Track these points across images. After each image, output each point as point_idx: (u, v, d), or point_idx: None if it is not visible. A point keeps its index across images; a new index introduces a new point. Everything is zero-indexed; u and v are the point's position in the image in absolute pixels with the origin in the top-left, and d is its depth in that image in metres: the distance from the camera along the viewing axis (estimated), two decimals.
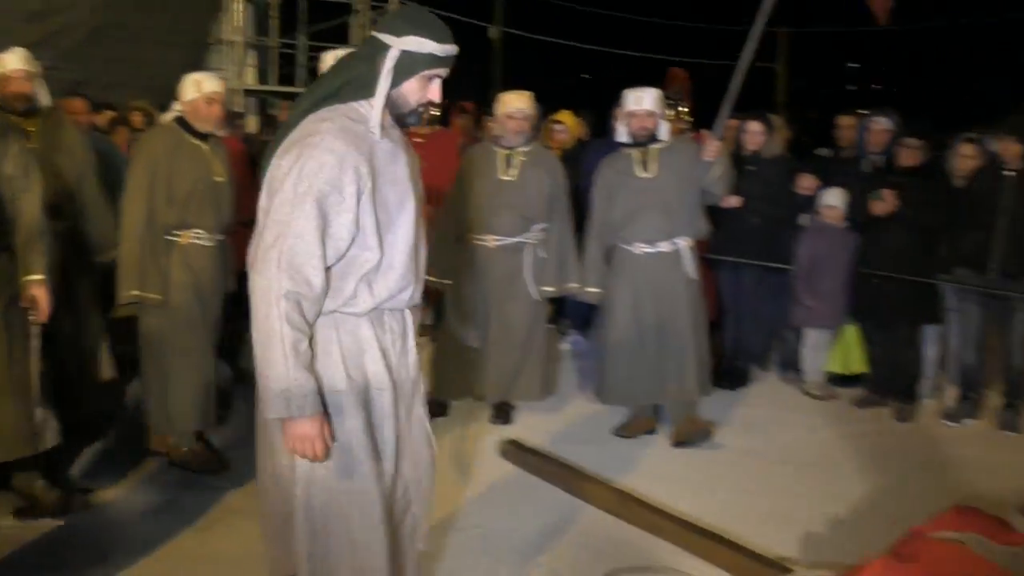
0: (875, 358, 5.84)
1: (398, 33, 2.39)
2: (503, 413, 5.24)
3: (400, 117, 2.52)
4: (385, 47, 2.40)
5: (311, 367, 2.35)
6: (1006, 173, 5.24)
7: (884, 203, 5.44)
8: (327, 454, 2.41)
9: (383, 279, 2.47)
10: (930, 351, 5.79)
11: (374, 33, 2.46)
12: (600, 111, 7.47)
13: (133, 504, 4.14)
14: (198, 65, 12.96)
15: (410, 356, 2.63)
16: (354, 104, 2.43)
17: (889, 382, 5.73)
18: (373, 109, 2.42)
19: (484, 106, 7.96)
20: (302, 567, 2.52)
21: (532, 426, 5.19)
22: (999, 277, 5.27)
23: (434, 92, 2.50)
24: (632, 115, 4.85)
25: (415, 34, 2.39)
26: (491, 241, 5.04)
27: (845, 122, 6.70)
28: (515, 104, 5.09)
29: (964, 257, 5.41)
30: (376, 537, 2.51)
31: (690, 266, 4.88)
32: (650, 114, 4.80)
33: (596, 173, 5.09)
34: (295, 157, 2.32)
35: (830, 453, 4.99)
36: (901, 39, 23.13)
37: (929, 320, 5.66)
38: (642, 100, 4.81)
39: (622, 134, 4.96)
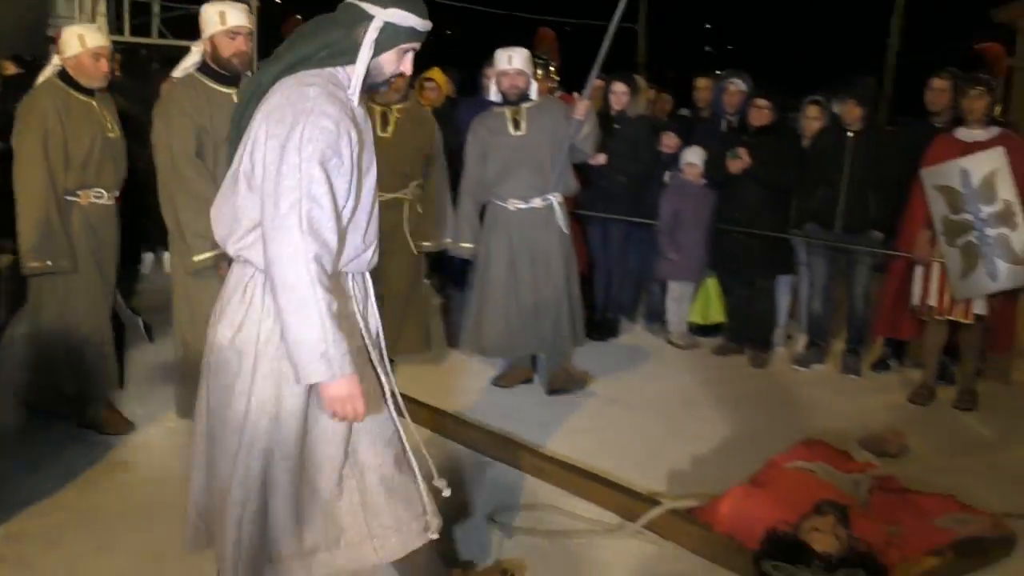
0: (733, 309, 6.23)
1: (383, 4, 2.42)
2: None
3: (373, 87, 2.55)
4: (368, 16, 2.42)
5: (341, 327, 2.36)
6: (848, 134, 5.63)
7: (740, 160, 5.76)
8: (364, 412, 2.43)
9: (350, 239, 2.49)
10: (782, 301, 6.21)
11: (354, 1, 2.45)
12: (467, 69, 7.55)
13: (15, 458, 4.08)
14: (43, 12, 12.34)
15: (372, 321, 2.66)
16: (331, 70, 2.44)
17: (746, 331, 6.13)
18: (354, 77, 2.44)
19: None
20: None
21: (413, 378, 5.30)
22: (843, 232, 5.69)
23: (407, 64, 2.54)
24: (503, 74, 4.98)
25: (398, 7, 2.42)
26: None
27: (702, 84, 7.04)
28: None
29: (812, 213, 5.80)
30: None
31: (562, 221, 5.08)
32: (520, 73, 4.94)
33: (469, 131, 5.21)
34: (291, 123, 2.31)
35: (693, 398, 5.32)
36: (753, 2, 24.00)
37: (782, 271, 6.06)
38: (513, 59, 4.94)
39: (493, 93, 5.09)
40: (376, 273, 5.05)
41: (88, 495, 3.81)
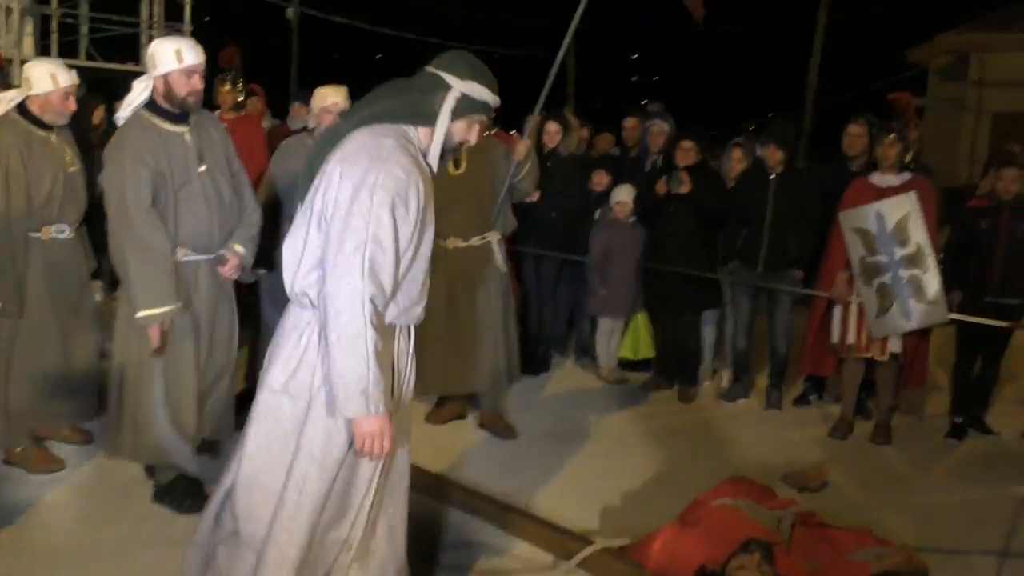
0: (661, 344, 6.38)
1: (461, 76, 2.60)
2: None
3: (443, 152, 2.68)
4: (447, 86, 2.60)
5: (383, 368, 2.50)
6: (770, 176, 5.85)
7: (684, 184, 5.90)
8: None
9: (406, 290, 2.62)
10: (708, 336, 6.38)
11: (435, 70, 2.63)
12: None
13: None
14: None
15: (407, 377, 2.79)
16: (404, 127, 2.60)
17: (674, 366, 6.29)
18: (433, 142, 2.61)
19: (283, 89, 7.88)
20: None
21: None
22: (766, 271, 5.89)
23: (474, 135, 2.71)
24: None
25: (477, 81, 2.61)
26: None
27: (630, 123, 7.24)
28: (331, 98, 5.13)
29: (736, 252, 6.00)
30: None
31: (500, 259, 5.17)
32: None
33: None
34: (365, 167, 2.45)
35: (623, 433, 5.44)
36: (678, 36, 24.57)
37: (709, 306, 6.23)
38: None
39: None
40: None
41: (22, 534, 3.76)
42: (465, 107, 2.63)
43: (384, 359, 2.53)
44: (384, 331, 2.55)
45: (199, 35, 14.52)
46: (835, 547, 3.71)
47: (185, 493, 4.05)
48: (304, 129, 5.43)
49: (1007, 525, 3.87)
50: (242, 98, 6.84)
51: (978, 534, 4.15)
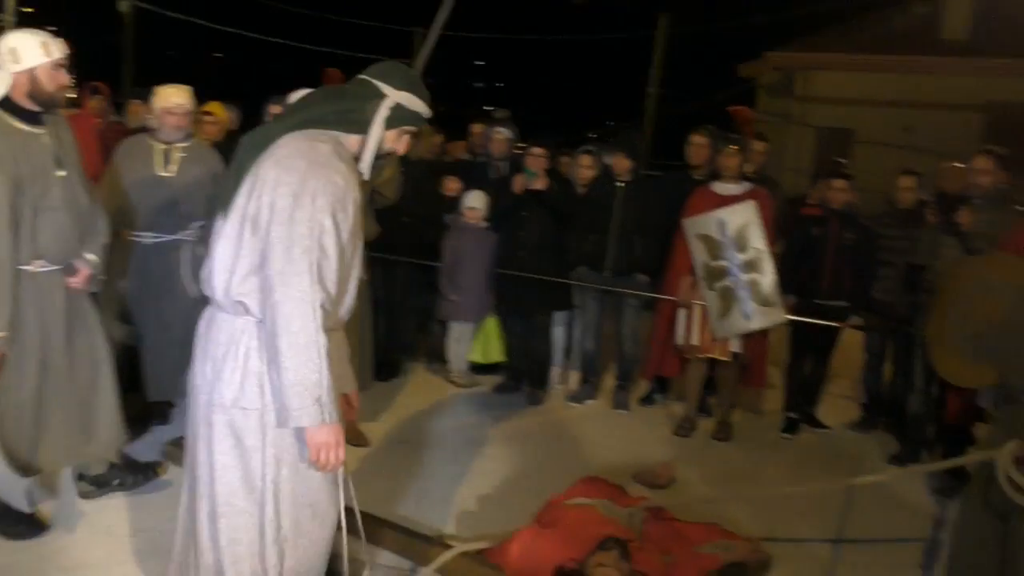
0: (512, 347, 6.45)
1: (396, 86, 2.60)
2: (161, 412, 5.13)
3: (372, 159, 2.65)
4: (381, 94, 2.63)
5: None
6: (618, 183, 6.01)
7: (539, 178, 5.97)
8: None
9: (350, 292, 2.63)
10: (558, 339, 6.49)
11: (369, 78, 2.65)
12: (251, 101, 7.37)
13: None
14: None
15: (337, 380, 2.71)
16: (336, 134, 2.56)
17: (524, 369, 6.36)
18: (366, 150, 2.59)
19: (116, 84, 7.51)
20: None
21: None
22: (613, 275, 6.04)
23: (403, 146, 2.72)
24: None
25: (410, 91, 2.62)
26: (148, 238, 4.91)
27: (476, 129, 7.29)
28: (174, 99, 4.96)
29: (585, 257, 6.13)
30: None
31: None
32: None
33: None
34: (303, 174, 2.40)
35: (476, 436, 5.46)
36: (522, 43, 24.97)
37: (559, 307, 6.32)
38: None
39: None
40: (159, 318, 4.92)
41: None
42: (398, 117, 2.65)
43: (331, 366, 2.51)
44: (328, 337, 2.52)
45: (22, 27, 13.64)
46: (686, 541, 3.85)
47: (16, 520, 3.79)
48: (144, 129, 5.19)
49: (840, 512, 4.11)
50: (76, 95, 6.49)
51: (814, 522, 4.39)
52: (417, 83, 2.70)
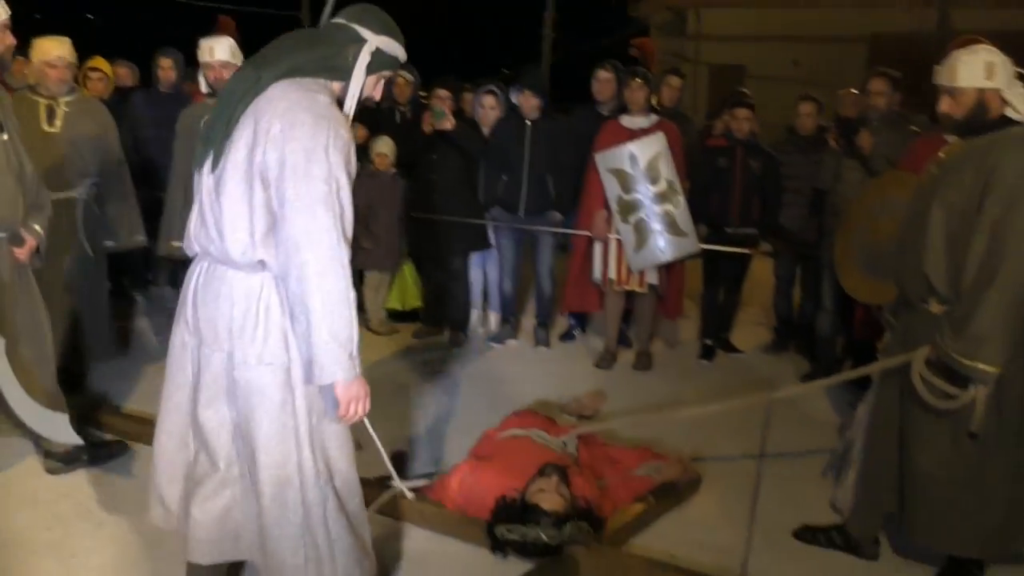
0: (429, 292, 6.42)
1: (375, 30, 2.50)
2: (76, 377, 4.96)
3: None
4: (360, 39, 2.53)
5: None
6: (527, 123, 5.99)
7: (446, 119, 5.88)
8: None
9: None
10: (475, 279, 6.47)
11: (345, 21, 2.54)
12: (143, 57, 7.09)
13: None
14: None
15: None
16: (324, 82, 2.47)
17: (443, 313, 6.35)
18: (349, 96, 2.54)
19: None
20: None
21: (110, 383, 5.03)
22: (527, 215, 6.06)
23: (379, 91, 2.65)
24: (208, 66, 4.79)
25: (389, 35, 2.51)
26: None
27: None
28: (54, 52, 4.72)
29: (498, 197, 6.12)
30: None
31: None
32: (224, 64, 4.76)
33: (177, 123, 5.08)
34: (312, 128, 2.32)
35: (401, 382, 5.44)
36: None
37: (476, 248, 6.29)
38: (215, 51, 4.76)
39: (203, 85, 4.91)
40: (52, 278, 4.74)
41: None
42: (379, 62, 2.57)
43: None
44: None
45: None
46: (619, 465, 3.93)
47: None
48: (28, 87, 4.92)
49: (760, 429, 4.24)
50: None
51: (738, 440, 4.53)
52: (393, 26, 2.61)
